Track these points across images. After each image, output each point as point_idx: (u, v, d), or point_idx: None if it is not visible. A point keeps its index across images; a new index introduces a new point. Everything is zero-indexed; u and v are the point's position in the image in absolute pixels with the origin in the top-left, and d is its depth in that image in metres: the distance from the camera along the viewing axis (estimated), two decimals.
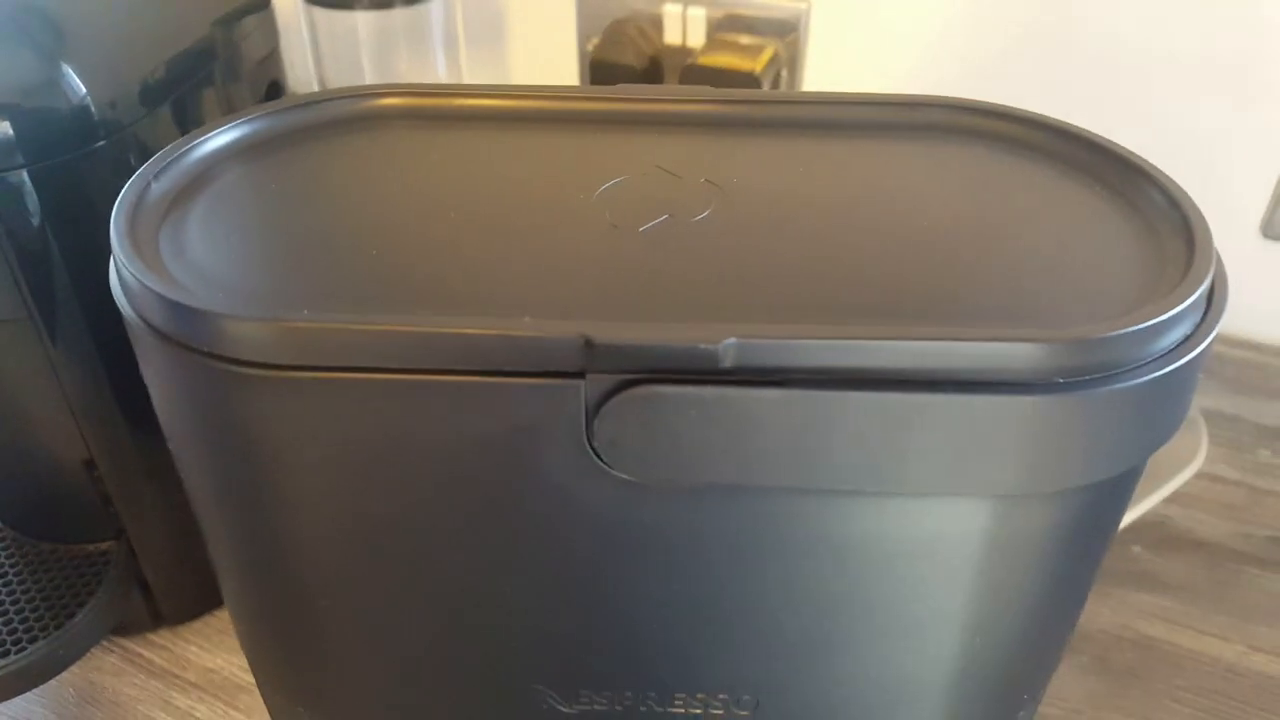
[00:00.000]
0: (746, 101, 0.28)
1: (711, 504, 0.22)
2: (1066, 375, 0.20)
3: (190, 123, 0.46)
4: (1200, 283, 0.21)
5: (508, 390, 0.20)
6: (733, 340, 0.19)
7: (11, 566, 0.50)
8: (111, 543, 0.51)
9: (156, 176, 0.23)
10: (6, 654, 0.46)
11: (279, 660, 0.27)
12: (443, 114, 0.28)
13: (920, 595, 0.23)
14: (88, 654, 0.55)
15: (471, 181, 0.25)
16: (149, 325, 0.21)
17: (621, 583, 0.23)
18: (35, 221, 0.42)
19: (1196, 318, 0.21)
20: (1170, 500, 0.64)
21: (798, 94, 0.29)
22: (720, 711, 0.26)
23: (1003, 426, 0.20)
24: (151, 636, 0.56)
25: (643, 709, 0.26)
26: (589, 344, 0.19)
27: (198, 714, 0.52)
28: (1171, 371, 0.20)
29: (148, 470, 0.50)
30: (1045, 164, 0.26)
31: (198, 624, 0.57)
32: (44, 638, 0.47)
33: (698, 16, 0.64)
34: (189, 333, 0.20)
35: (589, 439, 0.21)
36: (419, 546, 0.22)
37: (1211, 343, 0.21)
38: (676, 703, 0.25)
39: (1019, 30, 0.61)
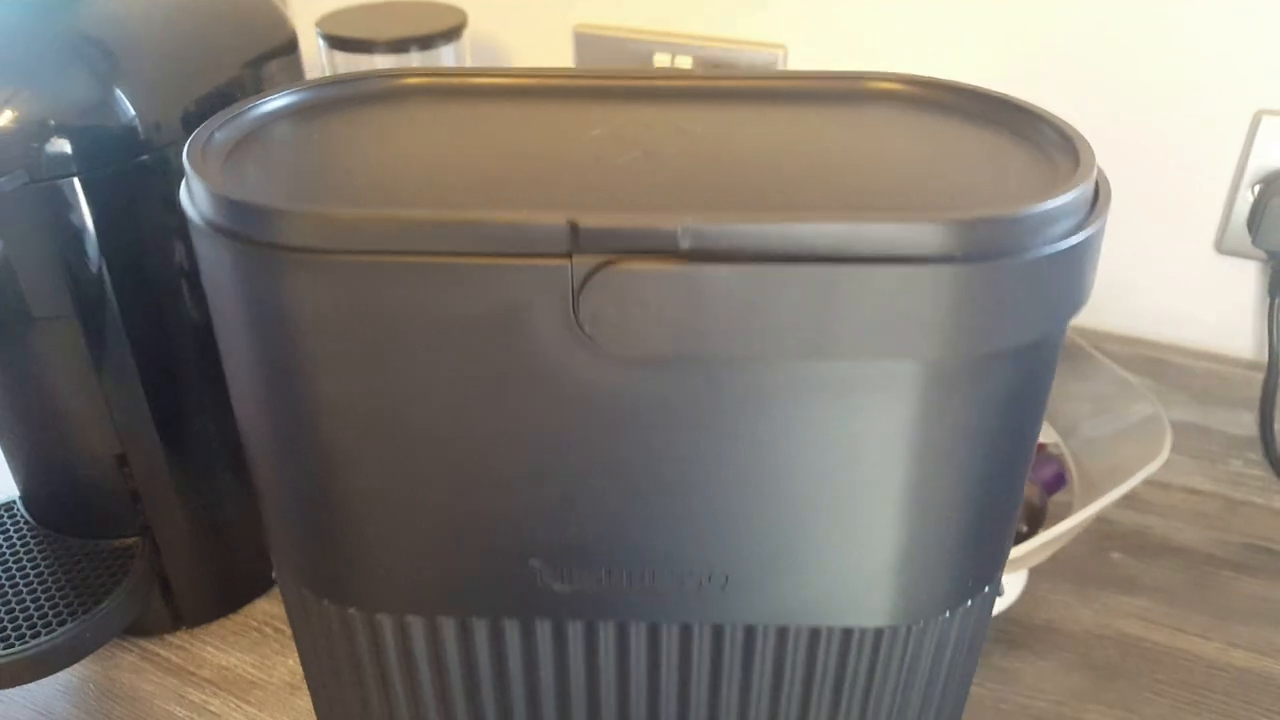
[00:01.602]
0: (713, 78, 0.33)
1: (678, 376, 0.26)
2: (969, 250, 0.24)
3: None
4: (1081, 183, 0.26)
5: (508, 271, 0.25)
6: (689, 223, 0.24)
7: (43, 558, 0.54)
8: (136, 539, 0.55)
9: (219, 128, 0.29)
10: (37, 635, 0.50)
11: (299, 546, 0.31)
12: (457, 90, 0.33)
13: (864, 465, 0.28)
14: (109, 653, 0.58)
15: (480, 136, 0.30)
16: (212, 225, 0.26)
17: (602, 454, 0.27)
18: (82, 225, 0.47)
19: (1081, 214, 0.26)
20: (1147, 511, 0.68)
21: (757, 71, 0.34)
22: (694, 589, 0.30)
23: (920, 294, 0.25)
24: (169, 638, 0.60)
25: (625, 586, 0.30)
26: (574, 228, 0.24)
27: (211, 708, 0.55)
28: (1062, 252, 0.25)
29: (175, 468, 0.54)
30: (963, 118, 0.31)
31: (214, 626, 0.60)
32: (72, 622, 0.51)
33: (684, 63, 0.70)
34: (245, 225, 0.25)
35: (575, 314, 0.25)
36: (428, 421, 0.27)
37: (1098, 233, 0.26)
38: (653, 580, 0.30)
39: (990, 66, 0.67)
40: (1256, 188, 0.61)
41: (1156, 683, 0.57)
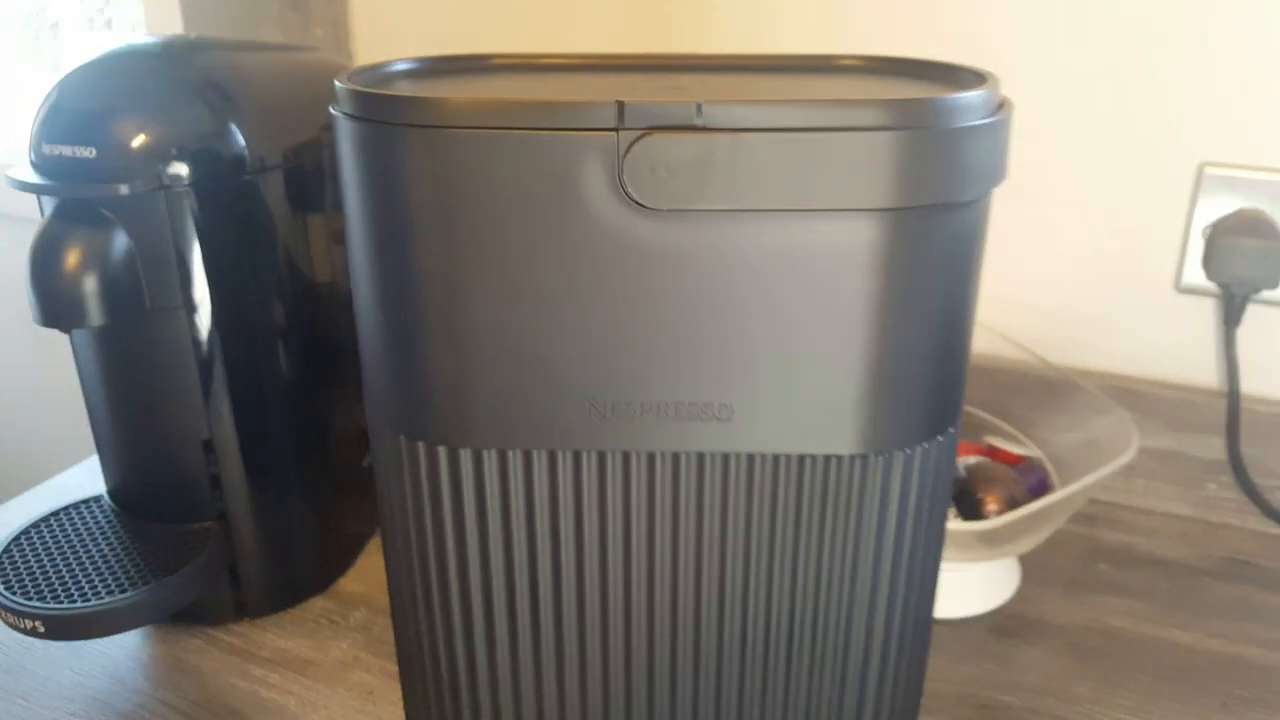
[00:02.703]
0: (722, 57, 0.46)
1: (695, 230, 0.37)
2: (904, 122, 0.36)
3: (305, 181, 0.65)
4: (985, 88, 0.38)
5: (571, 140, 0.36)
6: (700, 103, 0.36)
7: (128, 536, 0.64)
8: (213, 523, 0.65)
9: (353, 75, 0.41)
10: (124, 591, 0.59)
11: (397, 397, 0.41)
12: (531, 65, 0.46)
13: (838, 307, 0.38)
14: (175, 636, 0.67)
15: (549, 87, 0.42)
16: (349, 115, 0.38)
17: (636, 298, 0.38)
18: (195, 228, 0.59)
19: (988, 110, 0.38)
20: (1132, 531, 0.77)
21: (753, 53, 0.47)
22: (708, 419, 0.40)
23: (870, 155, 0.36)
24: (233, 626, 0.69)
25: (654, 417, 0.40)
26: (621, 106, 0.36)
27: (270, 680, 0.64)
28: (971, 129, 0.37)
29: (252, 458, 0.64)
30: (907, 78, 0.43)
31: (273, 618, 0.69)
32: (153, 583, 0.60)
33: None
34: (372, 111, 0.37)
35: (619, 176, 0.37)
36: (504, 272, 0.38)
37: (1001, 125, 0.38)
38: (675, 412, 0.40)
39: None
40: (1207, 230, 0.73)
41: (1138, 664, 0.65)
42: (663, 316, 0.39)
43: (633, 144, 0.36)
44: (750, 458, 0.41)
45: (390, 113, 0.37)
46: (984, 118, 0.38)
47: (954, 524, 0.60)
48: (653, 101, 0.36)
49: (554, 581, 0.43)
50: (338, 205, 0.69)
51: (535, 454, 0.41)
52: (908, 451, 0.41)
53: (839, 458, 0.41)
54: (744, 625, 0.43)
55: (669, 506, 0.42)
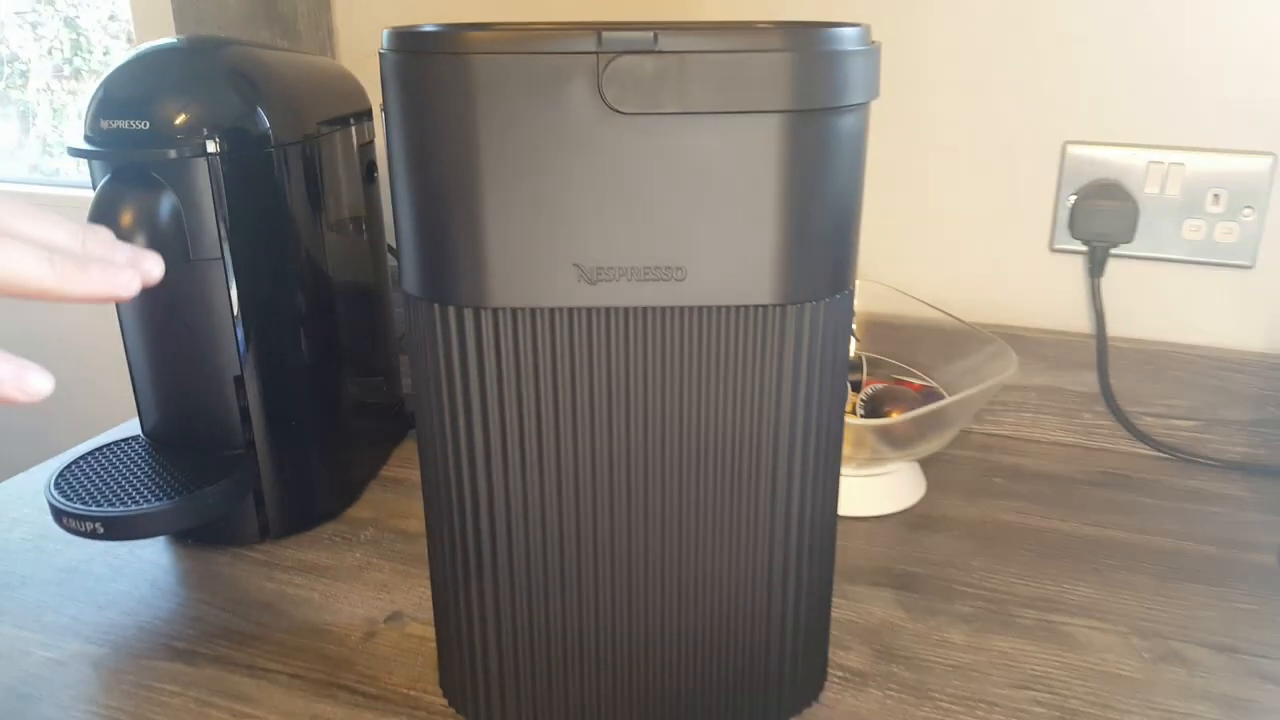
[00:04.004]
0: (675, 21, 0.62)
1: (654, 126, 0.53)
2: (796, 47, 0.52)
3: (316, 157, 0.81)
4: (854, 29, 0.54)
5: (565, 60, 0.52)
6: (655, 32, 0.52)
7: (165, 459, 0.77)
8: (241, 451, 0.78)
9: (395, 28, 0.57)
10: (169, 498, 0.72)
11: (427, 266, 0.56)
12: (527, 27, 0.62)
13: (759, 185, 0.54)
14: (206, 555, 0.80)
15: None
16: (394, 50, 0.53)
17: (611, 177, 0.53)
18: (228, 190, 0.74)
19: (861, 43, 0.54)
20: (1022, 455, 0.93)
21: (692, 20, 0.63)
22: (666, 279, 0.55)
23: (777, 70, 0.52)
24: (257, 546, 0.81)
25: (627, 279, 0.55)
26: (599, 34, 0.52)
27: (295, 582, 0.77)
28: (844, 53, 0.53)
29: (279, 395, 0.78)
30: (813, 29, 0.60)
31: (293, 538, 0.82)
32: (196, 491, 0.73)
33: None
34: (405, 44, 0.52)
35: (599, 87, 0.52)
36: (513, 164, 0.53)
37: (869, 55, 0.54)
38: (643, 275, 0.55)
39: None
40: (1072, 198, 0.91)
41: (1025, 544, 0.81)
42: (631, 196, 0.54)
43: (609, 63, 0.52)
44: (698, 310, 0.56)
45: (427, 44, 0.53)
46: (857, 46, 0.54)
47: (861, 421, 0.75)
48: (622, 34, 0.52)
49: (554, 413, 0.57)
50: (340, 180, 0.84)
51: (538, 312, 0.56)
52: (814, 304, 0.56)
53: (763, 307, 0.56)
54: (697, 444, 0.58)
55: (640, 352, 0.56)
